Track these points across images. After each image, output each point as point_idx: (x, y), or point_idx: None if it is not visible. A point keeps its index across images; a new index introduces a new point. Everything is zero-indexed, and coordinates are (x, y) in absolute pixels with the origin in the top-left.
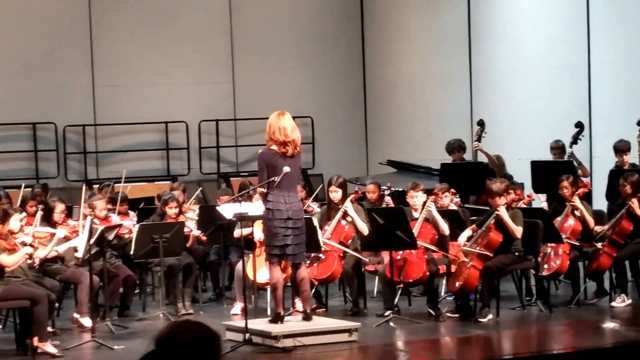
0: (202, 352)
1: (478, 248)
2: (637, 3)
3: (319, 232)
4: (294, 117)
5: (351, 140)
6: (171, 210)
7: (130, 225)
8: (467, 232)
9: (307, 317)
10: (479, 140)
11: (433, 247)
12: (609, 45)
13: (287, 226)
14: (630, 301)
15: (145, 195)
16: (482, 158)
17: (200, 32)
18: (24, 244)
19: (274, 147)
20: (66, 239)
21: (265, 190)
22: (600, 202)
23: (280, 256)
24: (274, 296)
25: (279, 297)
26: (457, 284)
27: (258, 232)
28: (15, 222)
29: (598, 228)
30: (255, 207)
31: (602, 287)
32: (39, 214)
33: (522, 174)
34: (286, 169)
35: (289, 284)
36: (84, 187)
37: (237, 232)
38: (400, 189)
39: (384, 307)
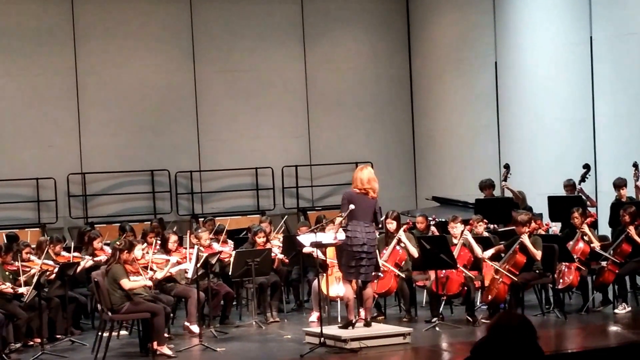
0: (526, 333)
1: (507, 267)
2: (632, 66)
3: (378, 255)
4: (356, 163)
5: (403, 180)
6: (260, 239)
7: (228, 251)
8: (492, 250)
9: (367, 324)
10: (505, 180)
11: (467, 271)
12: (609, 102)
13: (362, 250)
14: (629, 308)
15: (239, 227)
16: (508, 194)
17: (282, 96)
18: (150, 269)
19: (356, 190)
20: (178, 263)
21: (345, 220)
22: (605, 229)
23: (355, 275)
24: (347, 307)
25: (350, 307)
26: (490, 296)
27: (329, 255)
28: (138, 251)
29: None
30: (327, 236)
31: (607, 297)
32: (157, 243)
33: (540, 206)
34: (351, 206)
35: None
36: (188, 233)
37: (307, 249)
38: (443, 220)
39: (431, 315)
